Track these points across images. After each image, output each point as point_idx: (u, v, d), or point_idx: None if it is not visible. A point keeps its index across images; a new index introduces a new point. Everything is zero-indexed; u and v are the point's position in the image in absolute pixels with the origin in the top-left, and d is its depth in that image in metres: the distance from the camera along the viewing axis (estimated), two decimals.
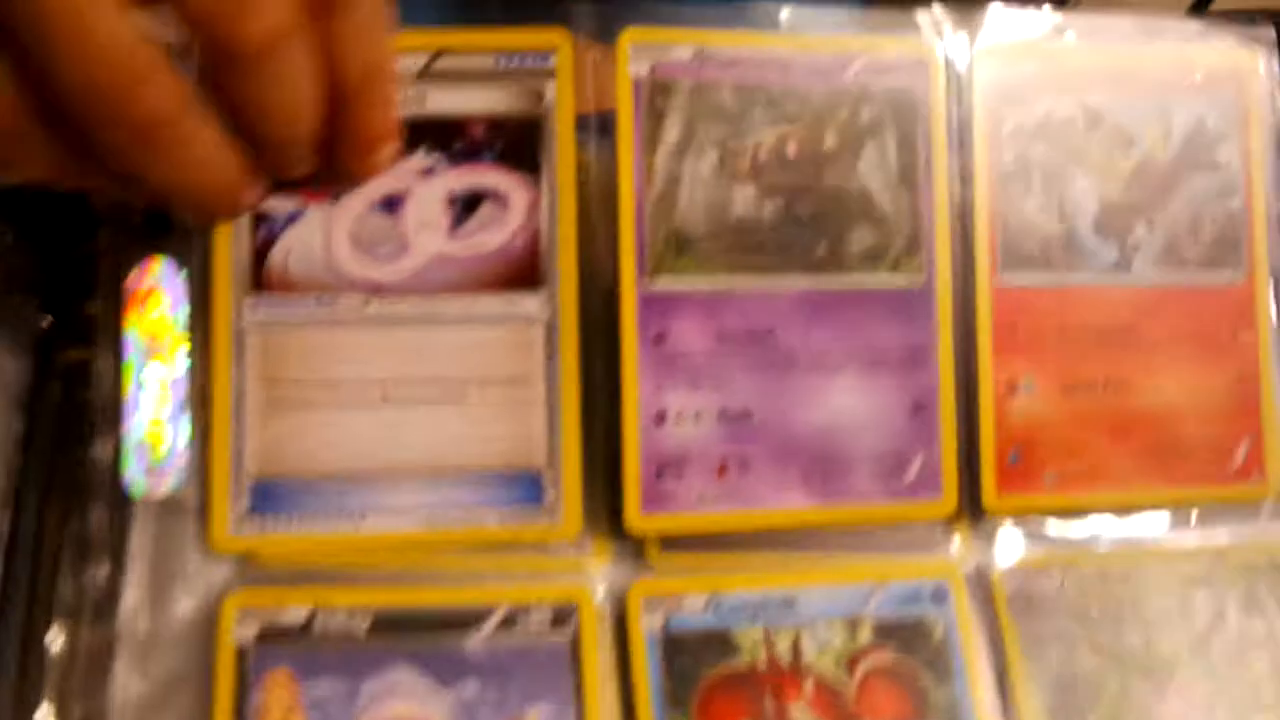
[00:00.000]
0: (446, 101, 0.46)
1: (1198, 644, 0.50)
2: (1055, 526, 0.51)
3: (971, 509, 0.50)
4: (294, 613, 0.44)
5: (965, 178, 0.51)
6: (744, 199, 0.48)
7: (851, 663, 0.47)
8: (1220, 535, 0.52)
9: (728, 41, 0.48)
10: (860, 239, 0.49)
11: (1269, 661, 0.50)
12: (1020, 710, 0.48)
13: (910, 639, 0.48)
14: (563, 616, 0.46)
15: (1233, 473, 0.52)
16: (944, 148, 0.50)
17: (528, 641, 0.45)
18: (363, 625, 0.45)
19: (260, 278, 0.45)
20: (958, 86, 0.50)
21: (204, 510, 0.44)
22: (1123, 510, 0.51)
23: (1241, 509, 0.53)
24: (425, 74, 0.46)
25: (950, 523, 0.50)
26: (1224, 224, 0.53)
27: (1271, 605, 0.51)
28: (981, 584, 0.50)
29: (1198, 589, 0.51)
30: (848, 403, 0.49)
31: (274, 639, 0.44)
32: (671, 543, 0.48)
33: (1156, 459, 0.51)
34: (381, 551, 0.45)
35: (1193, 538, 0.52)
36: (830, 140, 0.49)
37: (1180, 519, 0.52)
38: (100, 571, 0.43)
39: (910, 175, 0.50)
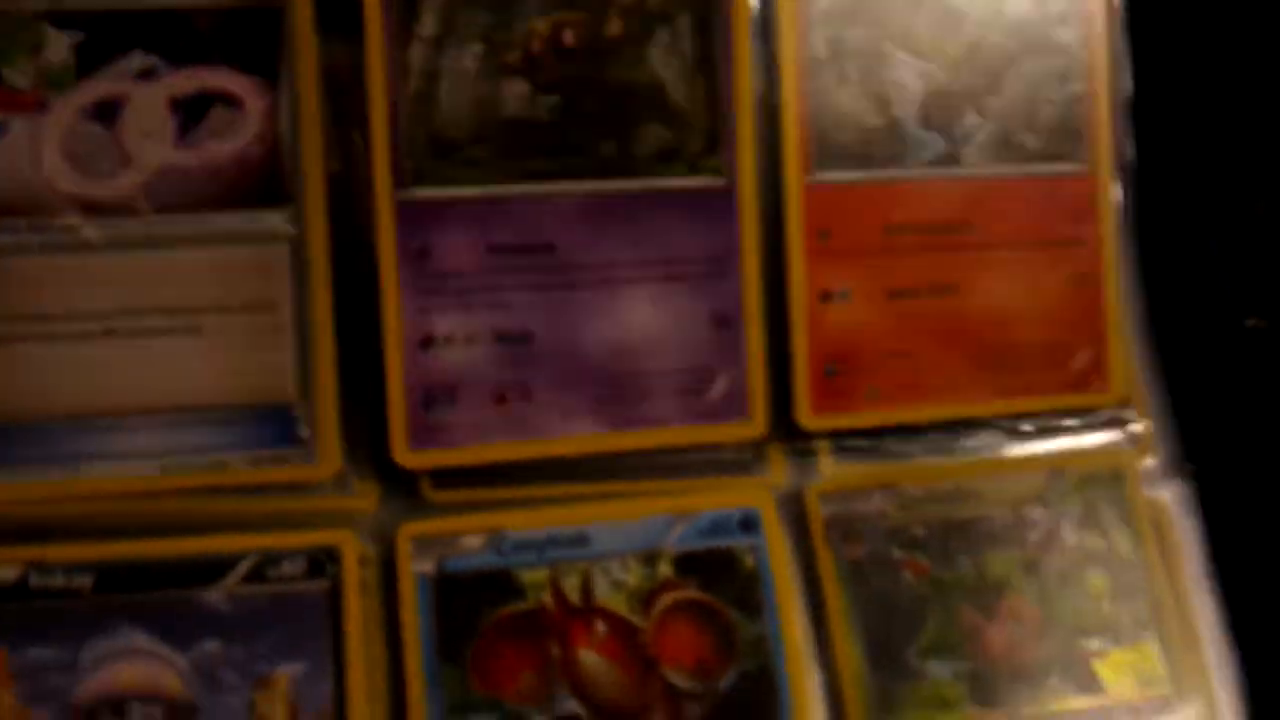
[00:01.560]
0: None
1: (1031, 563, 0.46)
2: (877, 445, 0.46)
3: (784, 430, 0.45)
4: (2, 572, 0.40)
5: (770, 68, 0.46)
6: (515, 96, 0.43)
7: (649, 600, 0.43)
8: (1057, 448, 0.48)
9: None
10: (651, 137, 0.44)
11: (1107, 579, 0.46)
12: (836, 643, 0.44)
13: (716, 572, 0.44)
14: (319, 564, 0.41)
15: (1071, 381, 0.48)
16: (746, 32, 0.45)
17: (279, 593, 0.41)
18: (85, 583, 0.40)
19: None
20: None
21: None
22: (951, 425, 0.47)
23: (1080, 419, 0.48)
24: None
25: (761, 445, 0.45)
26: (1064, 111, 0.48)
27: (1111, 519, 0.47)
28: (796, 510, 0.45)
29: (1032, 506, 0.46)
30: (641, 319, 0.44)
31: None
32: (445, 480, 0.43)
33: (988, 369, 0.47)
34: (107, 501, 0.41)
35: (1027, 451, 0.47)
36: (614, 27, 0.44)
37: (1014, 432, 0.48)
38: None
39: (708, 65, 0.45)
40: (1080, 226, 0.48)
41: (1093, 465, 0.47)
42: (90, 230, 0.40)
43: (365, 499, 0.43)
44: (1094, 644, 0.46)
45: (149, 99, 0.41)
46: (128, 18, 0.40)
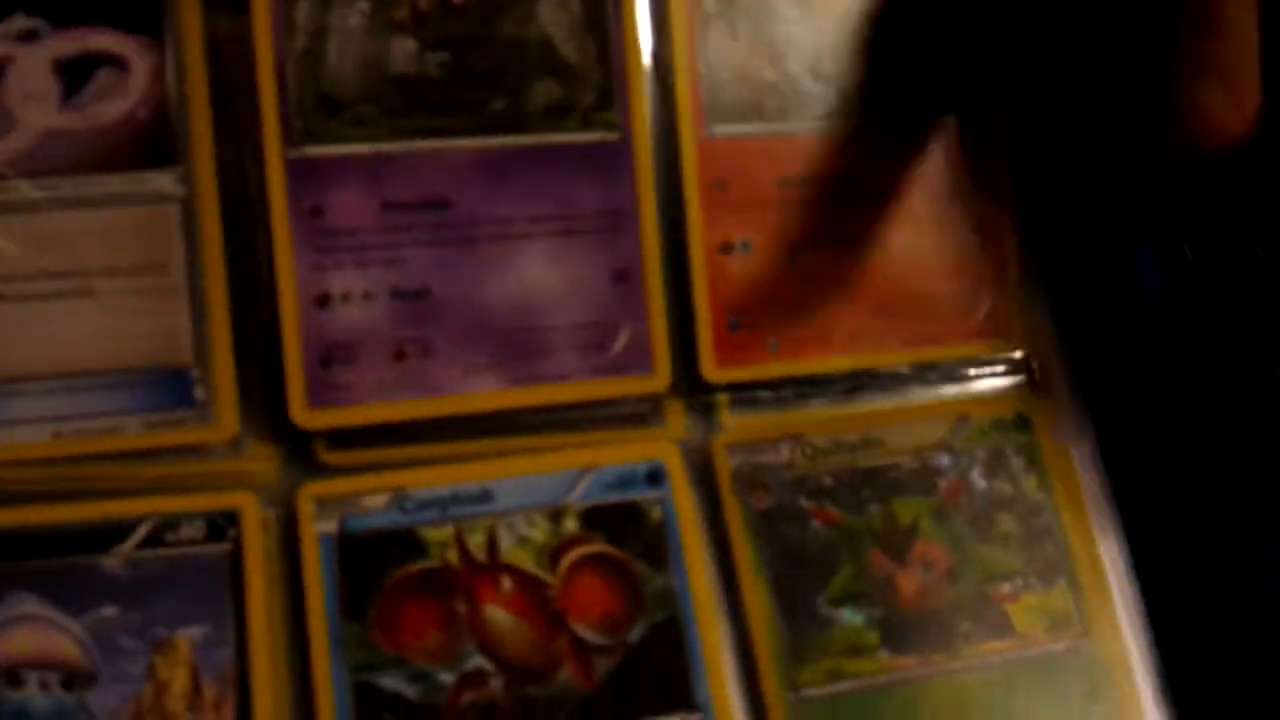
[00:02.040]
0: None
1: (940, 509, 0.46)
2: (782, 396, 0.46)
3: (689, 382, 0.45)
4: None
5: (660, 23, 0.46)
6: (404, 53, 0.43)
7: (556, 555, 0.43)
8: (961, 395, 0.48)
9: None
10: (543, 93, 0.45)
11: (1015, 522, 0.46)
12: (746, 594, 0.44)
13: (623, 526, 0.43)
14: (219, 528, 0.41)
15: (974, 329, 0.48)
16: None
17: (178, 557, 0.40)
18: None
19: None
20: None
21: None
22: (856, 377, 0.47)
23: (984, 367, 0.49)
24: None
25: (664, 399, 0.45)
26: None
27: (1018, 466, 0.47)
28: (701, 464, 0.45)
29: (939, 452, 0.47)
30: (539, 274, 0.44)
31: None
32: (346, 440, 0.43)
33: (891, 319, 0.47)
34: None
35: (932, 398, 0.48)
36: None
37: (918, 380, 0.48)
38: None
39: (598, 22, 0.45)
40: (972, 176, 0.48)
41: (998, 411, 0.48)
42: None
43: (263, 462, 0.42)
44: (1005, 588, 0.46)
45: (33, 61, 0.40)
46: None
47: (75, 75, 0.41)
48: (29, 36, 0.40)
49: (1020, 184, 0.49)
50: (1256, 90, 0.41)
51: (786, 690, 0.43)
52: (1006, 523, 0.46)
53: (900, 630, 0.44)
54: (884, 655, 0.44)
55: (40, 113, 0.40)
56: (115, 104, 0.41)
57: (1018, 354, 0.49)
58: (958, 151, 0.48)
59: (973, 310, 0.48)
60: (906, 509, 0.46)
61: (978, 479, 0.47)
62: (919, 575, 0.45)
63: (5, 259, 0.40)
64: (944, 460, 0.47)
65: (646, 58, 0.46)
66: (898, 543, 0.45)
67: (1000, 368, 0.49)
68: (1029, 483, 0.47)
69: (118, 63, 0.41)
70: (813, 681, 0.43)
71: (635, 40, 0.45)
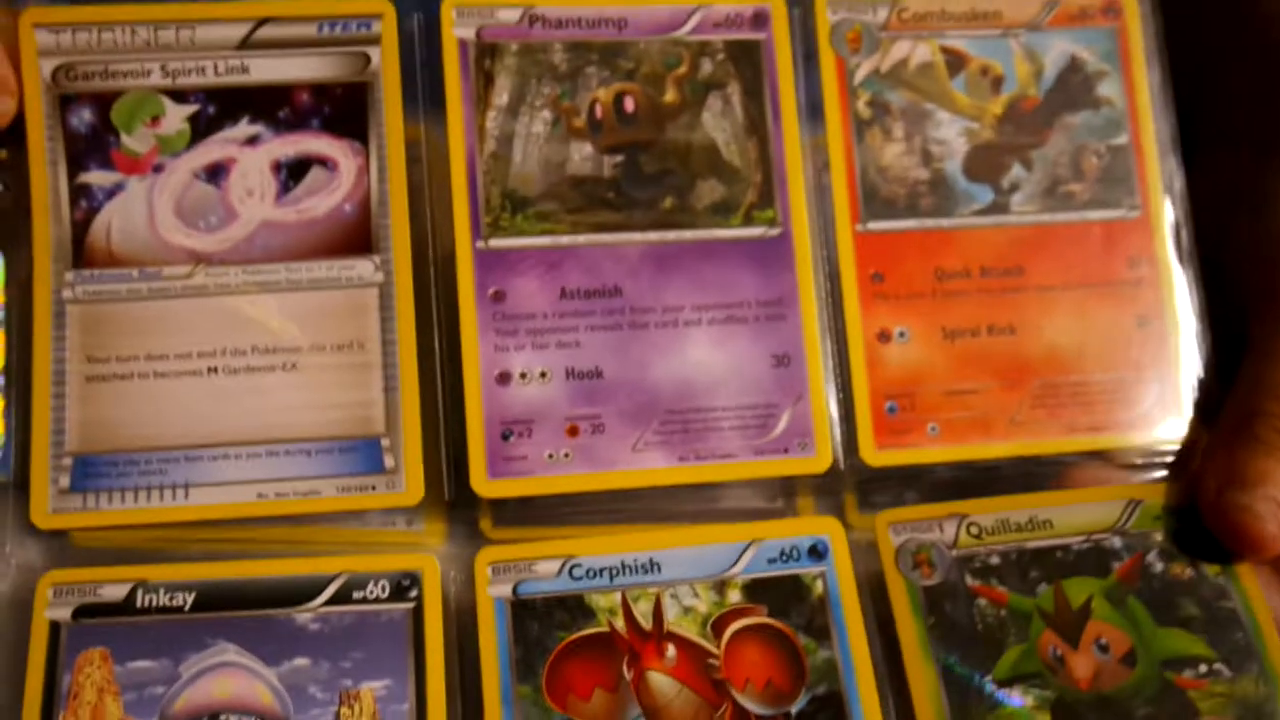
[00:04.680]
0: (270, 70, 0.46)
1: (1114, 592, 0.46)
2: (944, 481, 0.47)
3: (849, 464, 0.47)
4: (113, 589, 0.42)
5: (817, 128, 0.49)
6: (582, 156, 0.47)
7: (719, 625, 0.44)
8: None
9: (557, 0, 0.48)
10: (709, 192, 0.48)
11: (1197, 606, 0.46)
12: (910, 670, 0.44)
13: (785, 598, 0.45)
14: (403, 588, 0.43)
15: (1140, 420, 0.48)
16: (793, 97, 0.49)
17: (364, 614, 0.43)
18: (186, 601, 0.42)
19: (81, 253, 0.44)
20: (803, 32, 0.49)
21: (22, 487, 0.43)
22: (1019, 463, 0.48)
23: (1153, 456, 0.49)
24: (247, 42, 0.46)
25: (825, 480, 0.47)
26: (1110, 160, 0.51)
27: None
28: (865, 543, 0.46)
29: (1110, 535, 0.47)
30: (704, 358, 0.47)
31: (91, 617, 0.42)
32: (521, 510, 0.45)
33: (1055, 408, 0.48)
34: (209, 527, 0.43)
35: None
36: (670, 95, 0.48)
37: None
38: None
39: (759, 127, 0.49)
40: (1136, 269, 0.50)
41: (1171, 498, 0.48)
42: (198, 277, 0.44)
43: (443, 528, 0.45)
44: (1188, 674, 0.45)
45: (254, 161, 0.45)
46: (237, 92, 0.45)
47: (291, 174, 0.45)
48: (252, 140, 0.45)
49: (1185, 274, 0.50)
50: None
51: None
52: (1188, 606, 0.46)
53: (1074, 713, 0.44)
54: None
55: (258, 207, 0.45)
56: (324, 199, 0.45)
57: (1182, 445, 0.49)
58: (1117, 242, 0.49)
59: (1138, 400, 0.48)
60: (1078, 589, 0.45)
61: (1154, 561, 0.46)
62: (1093, 657, 0.45)
63: (222, 336, 0.44)
64: (1116, 542, 0.47)
65: (804, 160, 0.48)
66: (1069, 623, 0.45)
67: (1170, 458, 0.49)
68: (1210, 568, 0.46)
69: (328, 164, 0.46)
70: None
71: (795, 144, 0.48)
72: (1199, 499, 0.46)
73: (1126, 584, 0.46)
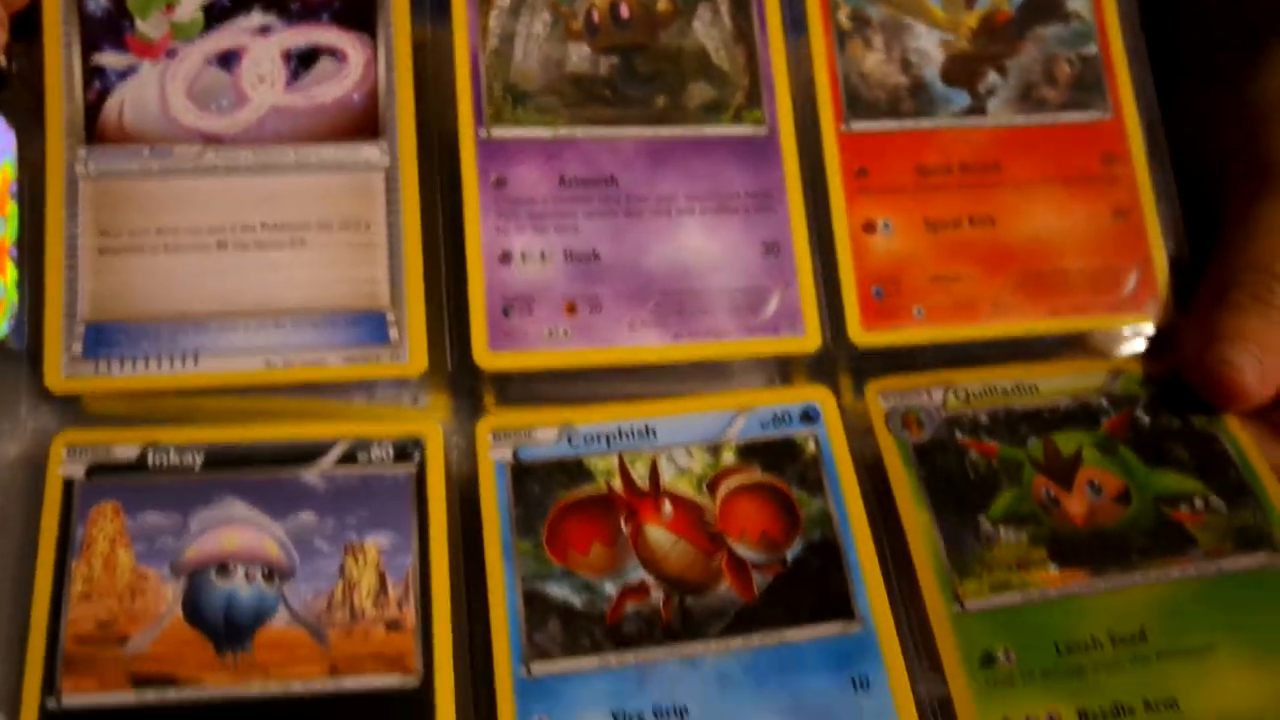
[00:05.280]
0: None
1: (1104, 442, 0.47)
2: (931, 360, 0.49)
3: (837, 344, 0.49)
4: (125, 450, 0.43)
5: (801, 36, 0.52)
6: (579, 56, 0.50)
7: (714, 483, 0.45)
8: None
9: None
10: (699, 93, 0.50)
11: (1188, 450, 0.47)
12: (904, 514, 0.45)
13: (778, 458, 0.46)
14: (406, 451, 0.45)
15: (1121, 303, 0.50)
16: (778, 10, 0.51)
17: (369, 475, 0.44)
18: (196, 461, 0.44)
19: (94, 131, 0.46)
20: None
21: (36, 355, 0.44)
22: (1004, 344, 0.49)
23: (1136, 338, 0.51)
24: None
25: (817, 362, 0.48)
26: (1081, 68, 0.53)
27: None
28: (856, 411, 0.48)
29: (1099, 396, 0.48)
30: (697, 244, 0.49)
31: (103, 475, 0.43)
32: (521, 382, 0.47)
33: (1036, 293, 0.50)
34: (217, 396, 0.45)
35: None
36: (663, 4, 0.51)
37: (1069, 349, 0.50)
38: None
39: (746, 35, 0.51)
40: (1111, 166, 0.52)
41: (1155, 368, 0.49)
42: (209, 157, 0.46)
43: (446, 397, 0.46)
44: (1183, 508, 0.46)
45: (265, 50, 0.47)
46: None
47: (301, 63, 0.47)
48: (264, 30, 0.47)
49: (1159, 172, 0.52)
50: None
51: (950, 602, 0.43)
52: (1179, 451, 0.47)
53: (1069, 546, 0.45)
54: (1053, 569, 0.44)
55: (269, 93, 0.47)
56: (333, 88, 0.47)
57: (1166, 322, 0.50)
58: (1091, 143, 0.51)
59: (1118, 286, 0.50)
60: (1068, 440, 0.47)
61: (1142, 415, 0.48)
62: (1087, 497, 0.46)
63: (232, 212, 0.46)
64: (1104, 402, 0.48)
65: (789, 67, 0.51)
66: (1061, 468, 0.46)
67: (1149, 340, 0.50)
68: (1198, 420, 0.48)
69: (337, 55, 0.48)
70: (977, 594, 0.44)
71: (780, 52, 0.51)
72: (1180, 360, 0.48)
73: (1116, 435, 0.47)
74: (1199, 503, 0.46)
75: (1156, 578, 0.44)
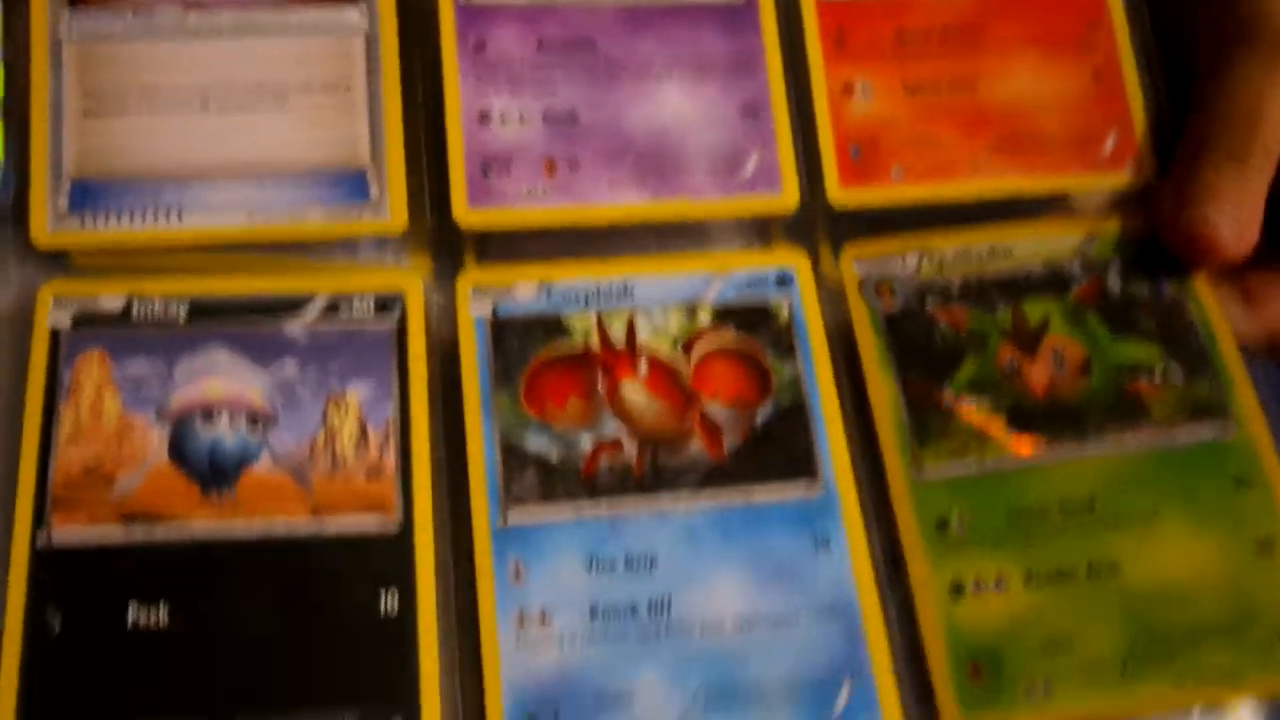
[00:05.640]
0: None
1: (1073, 309, 0.48)
2: (907, 221, 0.49)
3: (815, 203, 0.49)
4: (110, 301, 0.44)
5: None
6: None
7: (689, 345, 0.46)
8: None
9: None
10: None
11: (1154, 319, 0.48)
12: (871, 384, 0.46)
13: (753, 321, 0.47)
14: (387, 304, 0.45)
15: (1100, 163, 0.51)
16: None
17: (350, 328, 0.45)
18: (180, 311, 0.44)
19: None
20: None
21: (22, 212, 0.45)
22: (983, 204, 0.50)
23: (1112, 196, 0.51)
24: None
25: (796, 224, 0.49)
26: None
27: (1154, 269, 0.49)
28: (829, 274, 0.48)
29: (1071, 260, 0.49)
30: (676, 107, 0.49)
31: (89, 324, 0.44)
32: (500, 240, 0.47)
33: (1015, 154, 0.50)
34: (202, 253, 0.45)
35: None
36: None
37: (1047, 209, 0.50)
38: None
39: None
40: (1093, 31, 0.52)
41: (1132, 228, 0.50)
42: (191, 20, 0.47)
43: (425, 253, 0.47)
44: (1142, 379, 0.47)
45: None
46: None
47: None
48: None
49: (1139, 35, 0.52)
50: None
51: (909, 469, 0.45)
52: (1144, 320, 0.48)
53: (1029, 417, 0.46)
54: (1011, 438, 0.45)
55: None
56: None
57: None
58: (1071, 6, 0.51)
59: (1097, 147, 0.50)
60: (1036, 308, 0.47)
61: (1113, 281, 0.48)
62: (1049, 367, 0.46)
63: (214, 73, 0.46)
64: (1075, 268, 0.49)
65: None
66: (1027, 336, 0.47)
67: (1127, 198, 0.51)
68: (1169, 286, 0.48)
69: None
70: (936, 462, 0.45)
71: None
72: (1155, 218, 0.48)
73: (1085, 303, 0.48)
74: (1158, 374, 0.47)
75: (1109, 449, 0.46)
